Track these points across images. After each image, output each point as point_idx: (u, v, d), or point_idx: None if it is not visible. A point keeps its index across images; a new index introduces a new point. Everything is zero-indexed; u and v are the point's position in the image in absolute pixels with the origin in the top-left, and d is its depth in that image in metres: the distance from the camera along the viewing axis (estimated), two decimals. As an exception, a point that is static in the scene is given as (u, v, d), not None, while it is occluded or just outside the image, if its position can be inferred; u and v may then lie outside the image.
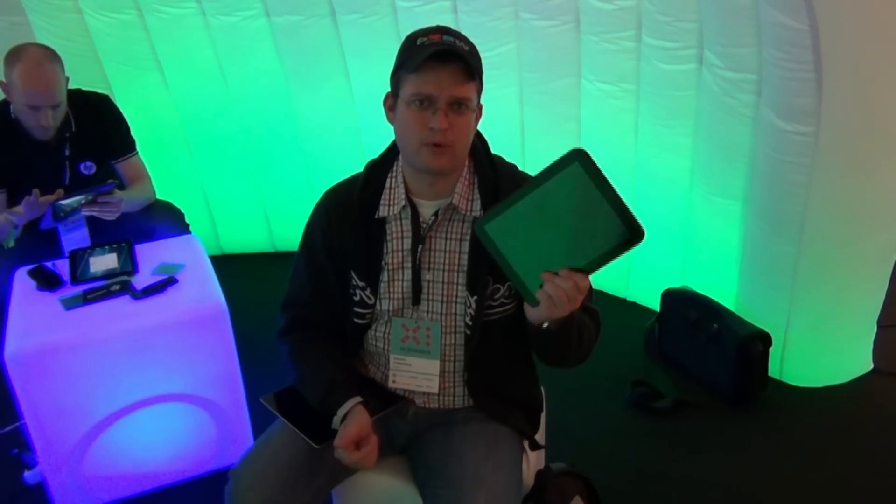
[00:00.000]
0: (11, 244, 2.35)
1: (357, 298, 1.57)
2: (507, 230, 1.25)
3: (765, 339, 2.51)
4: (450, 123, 1.41)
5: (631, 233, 1.18)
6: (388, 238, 1.55)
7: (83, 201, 2.36)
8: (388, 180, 1.55)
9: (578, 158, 1.18)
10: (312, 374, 1.57)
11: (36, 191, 2.30)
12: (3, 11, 2.96)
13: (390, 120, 1.51)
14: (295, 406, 1.58)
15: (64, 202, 2.32)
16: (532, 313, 1.33)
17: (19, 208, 2.35)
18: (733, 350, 2.48)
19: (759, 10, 2.22)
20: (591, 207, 1.20)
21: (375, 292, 1.56)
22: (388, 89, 1.52)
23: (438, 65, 1.39)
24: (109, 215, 2.42)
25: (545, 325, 1.36)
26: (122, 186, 2.67)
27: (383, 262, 1.55)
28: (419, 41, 1.42)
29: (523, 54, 2.88)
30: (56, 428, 2.02)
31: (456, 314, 1.54)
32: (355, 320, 1.59)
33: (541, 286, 1.27)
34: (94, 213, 2.40)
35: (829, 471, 2.26)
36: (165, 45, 3.14)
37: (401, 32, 2.99)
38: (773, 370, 2.61)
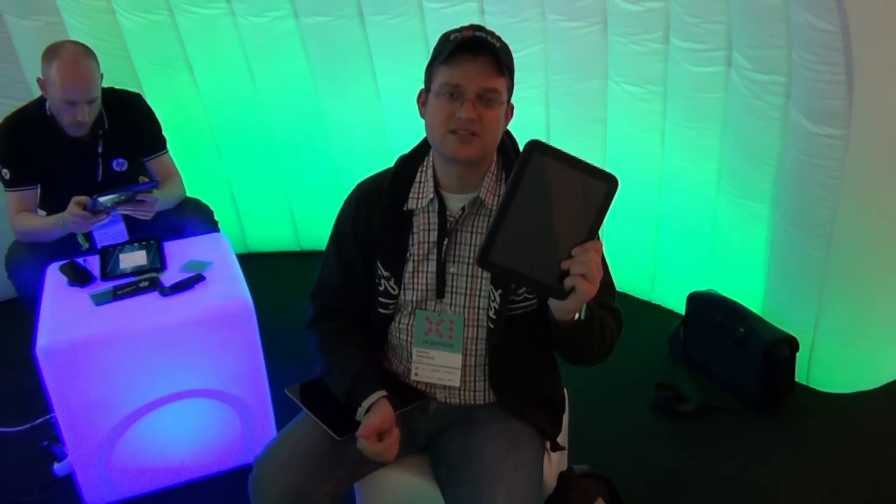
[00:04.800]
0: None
1: (382, 288, 1.59)
2: (508, 249, 1.24)
3: (791, 344, 2.48)
4: (478, 115, 1.43)
5: (607, 184, 1.19)
6: (415, 230, 1.57)
7: (122, 198, 2.38)
8: (419, 174, 1.58)
9: (534, 148, 1.18)
10: (339, 365, 1.59)
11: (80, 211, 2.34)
12: (38, 11, 3.02)
13: (423, 115, 1.53)
14: (319, 398, 1.60)
15: (103, 199, 2.34)
16: (562, 307, 1.26)
17: (58, 221, 2.38)
18: (759, 354, 2.46)
19: (788, 12, 2.20)
20: (565, 183, 1.20)
21: (399, 283, 1.58)
22: (416, 89, 1.54)
23: (469, 57, 1.43)
24: (144, 215, 2.44)
25: (577, 316, 1.32)
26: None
27: (408, 253, 1.57)
28: (452, 36, 1.46)
29: (550, 55, 2.87)
30: (85, 421, 2.06)
31: (479, 308, 1.55)
32: (379, 310, 1.61)
33: (562, 276, 1.22)
34: (129, 212, 2.43)
35: (856, 478, 2.23)
36: (195, 46, 3.18)
37: (428, 33, 3.00)
38: (801, 375, 2.58)
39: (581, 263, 1.20)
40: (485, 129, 1.45)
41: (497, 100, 1.45)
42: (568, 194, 1.21)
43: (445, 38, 1.47)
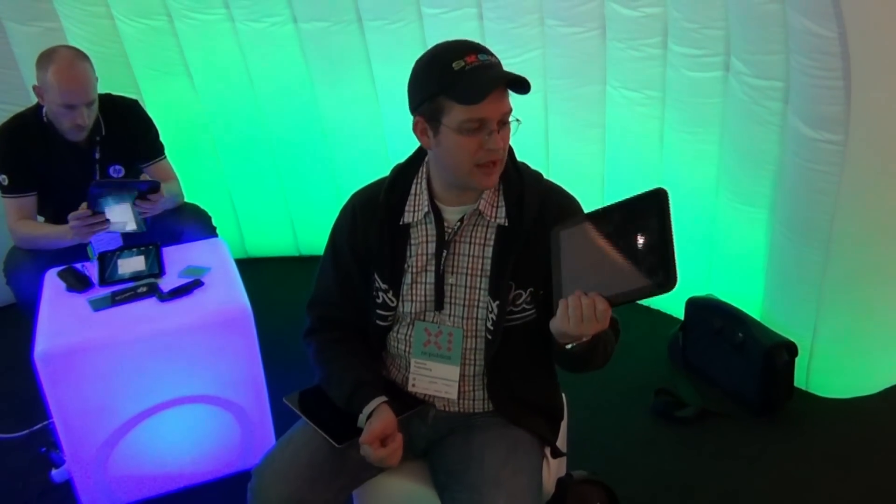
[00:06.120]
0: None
1: (379, 300, 1.58)
2: (574, 241, 1.26)
3: (790, 349, 2.48)
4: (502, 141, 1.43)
5: (664, 277, 1.17)
6: (413, 242, 1.56)
7: (120, 185, 2.36)
8: (414, 186, 1.56)
9: (658, 196, 1.18)
10: (338, 373, 1.58)
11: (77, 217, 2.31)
12: (37, 17, 3.02)
13: (427, 145, 1.49)
14: (318, 406, 1.60)
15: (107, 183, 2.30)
16: (552, 325, 1.31)
17: (67, 230, 2.35)
18: (758, 359, 2.46)
19: (786, 18, 2.20)
20: (646, 242, 1.19)
21: (398, 295, 1.57)
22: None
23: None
24: (148, 211, 2.41)
25: (569, 346, 1.35)
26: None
27: (406, 265, 1.56)
28: (456, 65, 1.38)
29: (548, 61, 2.87)
30: (83, 427, 2.06)
31: (477, 318, 1.55)
32: (377, 322, 1.61)
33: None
34: (140, 208, 2.40)
35: (855, 483, 2.23)
36: (194, 51, 3.19)
37: (426, 39, 3.00)
38: (800, 380, 2.58)
39: (575, 301, 1.24)
40: (504, 152, 1.46)
41: (509, 119, 1.44)
42: (638, 253, 1.20)
43: (445, 66, 1.39)
